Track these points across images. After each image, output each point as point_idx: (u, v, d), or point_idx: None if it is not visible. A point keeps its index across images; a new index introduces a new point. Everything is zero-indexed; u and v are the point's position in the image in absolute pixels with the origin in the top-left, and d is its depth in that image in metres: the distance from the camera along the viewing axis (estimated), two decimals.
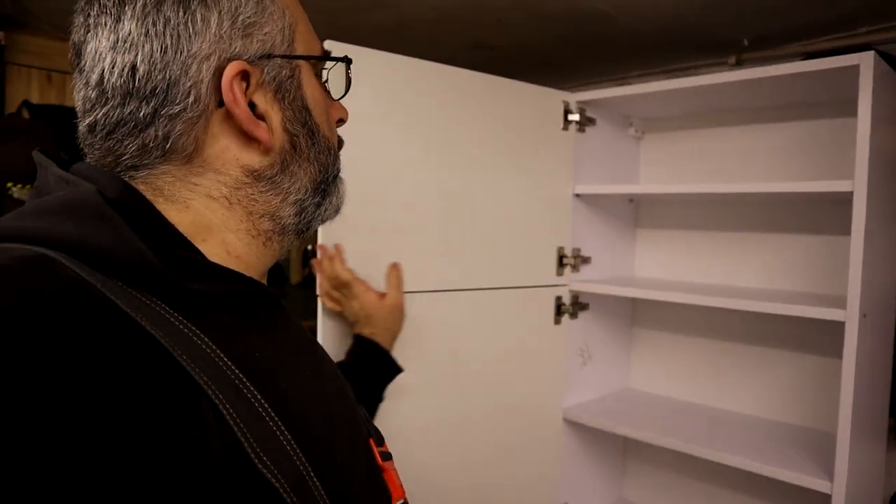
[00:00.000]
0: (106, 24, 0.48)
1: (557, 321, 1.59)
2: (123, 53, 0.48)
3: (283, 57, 0.53)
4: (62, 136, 1.86)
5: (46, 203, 0.45)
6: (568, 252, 1.60)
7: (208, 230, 0.51)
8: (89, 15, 0.49)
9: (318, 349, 0.62)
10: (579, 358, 1.68)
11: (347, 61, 0.62)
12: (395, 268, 1.17)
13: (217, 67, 0.49)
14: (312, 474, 0.45)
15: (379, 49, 1.24)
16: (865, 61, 1.15)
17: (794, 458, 1.30)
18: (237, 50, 0.50)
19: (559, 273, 1.59)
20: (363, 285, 1.12)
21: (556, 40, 1.81)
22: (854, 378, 1.15)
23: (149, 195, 0.49)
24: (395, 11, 1.62)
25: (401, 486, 0.64)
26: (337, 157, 0.61)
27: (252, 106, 0.51)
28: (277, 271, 0.65)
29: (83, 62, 0.50)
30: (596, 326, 1.72)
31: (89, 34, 0.49)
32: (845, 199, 1.22)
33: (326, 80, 0.61)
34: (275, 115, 0.53)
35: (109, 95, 0.48)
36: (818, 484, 1.19)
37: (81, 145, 0.52)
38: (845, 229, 1.46)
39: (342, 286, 1.12)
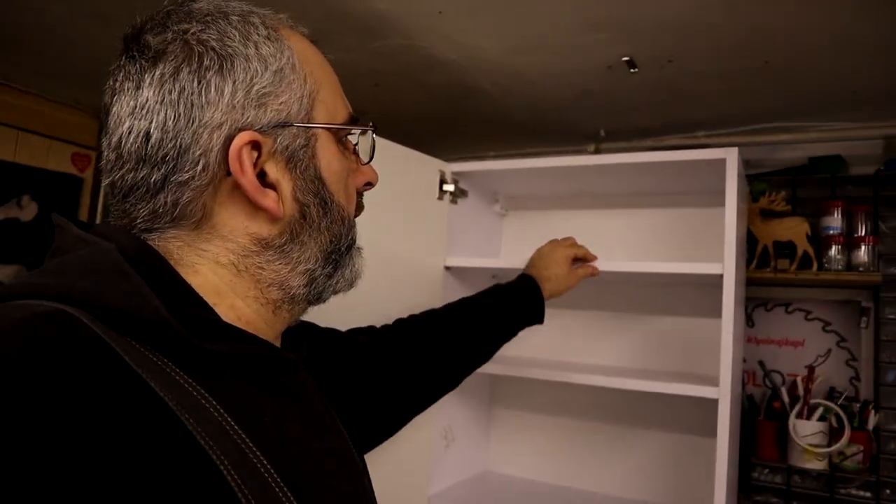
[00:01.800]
0: (128, 90, 0.50)
1: None
2: (140, 119, 0.49)
3: (298, 126, 0.53)
4: None
5: (68, 261, 0.46)
6: None
7: (217, 294, 0.51)
8: (116, 80, 0.51)
9: (333, 418, 0.60)
10: (443, 440, 1.58)
11: (372, 129, 0.61)
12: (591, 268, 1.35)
13: (227, 136, 0.49)
14: None
15: None
16: (731, 156, 1.26)
17: None
18: (249, 119, 0.50)
19: None
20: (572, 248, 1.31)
21: (430, 111, 1.80)
22: (728, 456, 1.19)
23: None
24: None
25: None
26: (352, 228, 0.60)
27: (263, 174, 0.51)
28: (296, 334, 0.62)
29: (109, 124, 0.51)
30: (458, 405, 1.65)
31: (115, 97, 0.51)
32: (706, 282, 1.30)
33: (357, 144, 0.61)
34: (286, 185, 0.52)
35: (125, 159, 0.50)
36: None
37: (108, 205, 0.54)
38: (699, 310, 1.57)
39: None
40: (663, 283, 1.61)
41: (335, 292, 0.60)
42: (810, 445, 1.49)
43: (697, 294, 1.57)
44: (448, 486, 1.59)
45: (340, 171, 0.57)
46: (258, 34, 0.52)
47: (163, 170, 0.49)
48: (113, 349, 0.40)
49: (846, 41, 1.21)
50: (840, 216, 1.54)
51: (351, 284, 0.61)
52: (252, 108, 0.50)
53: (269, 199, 0.51)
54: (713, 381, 1.24)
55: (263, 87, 0.51)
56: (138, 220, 0.50)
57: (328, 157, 0.56)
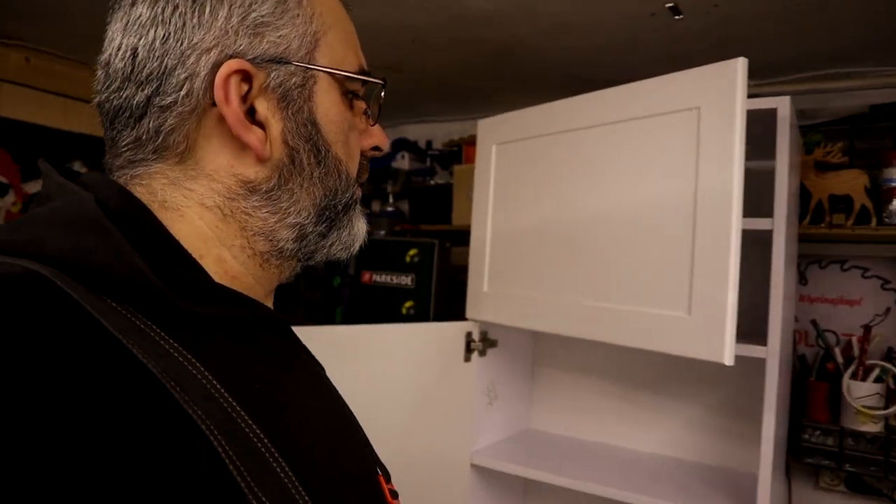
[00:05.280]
0: (123, 7, 0.48)
1: (468, 358, 1.50)
2: (130, 36, 0.47)
3: (296, 64, 0.50)
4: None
5: (41, 213, 0.43)
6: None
7: (204, 244, 0.48)
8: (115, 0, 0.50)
9: (325, 379, 0.58)
10: (486, 398, 1.59)
11: (380, 84, 0.56)
12: None
13: (216, 62, 0.47)
14: None
15: None
16: (783, 105, 1.19)
17: (706, 497, 1.29)
18: (242, 48, 0.47)
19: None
20: None
21: (471, 66, 1.77)
22: (775, 415, 1.16)
23: (145, 199, 0.47)
24: None
25: None
26: (351, 186, 0.55)
27: (253, 111, 0.48)
28: (292, 291, 0.56)
29: (104, 43, 0.49)
30: (501, 364, 1.65)
31: (112, 16, 0.49)
32: (755, 239, 1.25)
33: (370, 106, 0.58)
34: (275, 124, 0.49)
35: (112, 78, 0.48)
36: None
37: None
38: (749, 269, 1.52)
39: None
40: None
41: (329, 256, 0.56)
42: (865, 407, 1.44)
43: (748, 252, 1.52)
44: (492, 443, 1.61)
45: (340, 122, 0.53)
46: None
47: (146, 90, 0.47)
48: (89, 314, 0.37)
49: None
50: None
51: (348, 249, 0.57)
52: (246, 35, 0.48)
53: (252, 136, 0.48)
54: (762, 341, 1.20)
55: (262, 16, 0.48)
56: (124, 150, 0.48)
57: (327, 104, 0.52)
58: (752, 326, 1.24)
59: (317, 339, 1.12)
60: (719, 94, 1.09)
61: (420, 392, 1.37)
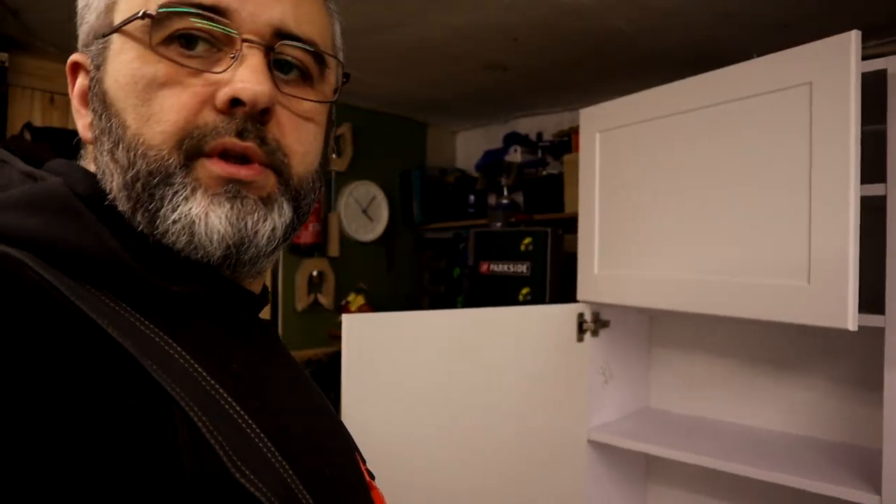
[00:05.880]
0: None
1: (580, 339, 1.55)
2: None
3: (103, 37, 0.46)
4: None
5: (10, 197, 0.41)
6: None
7: None
8: None
9: (295, 363, 0.58)
10: (601, 377, 1.64)
11: (145, 17, 0.43)
12: None
13: None
14: (299, 484, 0.41)
15: (390, 69, 1.22)
16: (893, 65, 1.15)
17: (828, 472, 1.26)
18: (81, 40, 0.49)
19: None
20: None
21: (570, 59, 1.81)
22: None
23: None
24: (408, 30, 1.62)
25: None
26: (142, 157, 0.43)
27: None
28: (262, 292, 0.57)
29: None
30: (616, 344, 1.69)
31: None
32: (874, 206, 1.20)
33: (238, 55, 0.45)
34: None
35: None
36: (866, 498, 1.15)
37: None
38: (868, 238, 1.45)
39: None
40: None
41: (173, 243, 0.43)
42: None
43: (863, 221, 1.46)
44: (609, 420, 1.65)
45: (132, 83, 0.44)
46: None
47: None
48: (63, 295, 0.36)
49: None
50: None
51: (186, 235, 0.43)
52: (82, 27, 0.49)
53: (79, 120, 0.49)
54: (881, 311, 1.16)
55: (84, 5, 0.48)
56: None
57: (116, 68, 0.45)
58: (872, 298, 1.20)
59: (435, 322, 1.24)
60: (832, 69, 1.08)
61: (536, 372, 1.45)
